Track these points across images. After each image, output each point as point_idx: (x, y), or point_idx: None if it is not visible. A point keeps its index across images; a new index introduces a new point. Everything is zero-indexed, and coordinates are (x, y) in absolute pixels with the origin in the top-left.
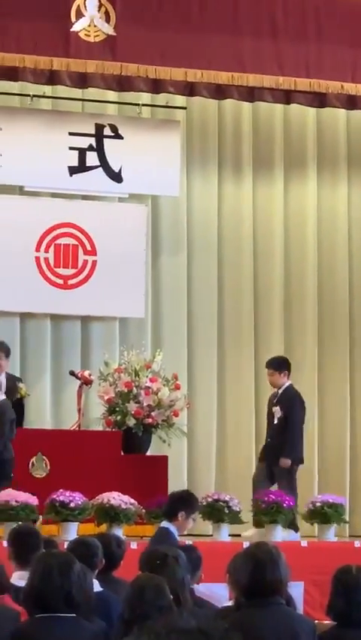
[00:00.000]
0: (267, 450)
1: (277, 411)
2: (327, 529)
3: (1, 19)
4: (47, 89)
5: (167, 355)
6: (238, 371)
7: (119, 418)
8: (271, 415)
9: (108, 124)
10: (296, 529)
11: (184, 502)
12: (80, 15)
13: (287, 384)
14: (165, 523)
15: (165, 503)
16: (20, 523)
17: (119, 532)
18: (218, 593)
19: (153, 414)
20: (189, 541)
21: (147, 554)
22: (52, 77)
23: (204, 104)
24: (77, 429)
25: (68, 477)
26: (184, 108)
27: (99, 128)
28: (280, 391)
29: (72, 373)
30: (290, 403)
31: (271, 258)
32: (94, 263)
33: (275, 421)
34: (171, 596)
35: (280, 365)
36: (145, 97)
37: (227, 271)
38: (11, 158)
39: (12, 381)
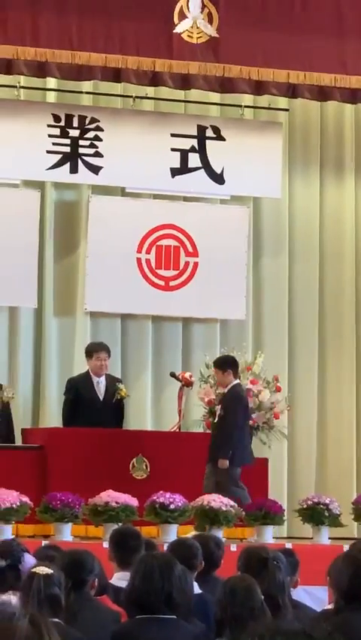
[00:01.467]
0: (209, 449)
1: (218, 410)
2: None
3: (105, 20)
4: (150, 91)
5: (268, 357)
6: (339, 372)
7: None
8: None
9: (210, 125)
10: None
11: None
12: (183, 16)
13: (233, 383)
14: None
15: None
16: (121, 524)
17: (219, 534)
18: (317, 596)
19: (253, 416)
20: (288, 545)
21: (246, 556)
22: (154, 79)
23: (306, 106)
24: (178, 430)
25: (168, 478)
26: (286, 110)
27: (201, 129)
28: (225, 390)
29: (173, 375)
30: (229, 403)
31: None
32: (195, 264)
33: (215, 420)
34: (263, 598)
35: (222, 364)
36: (247, 98)
37: (328, 272)
38: (113, 159)
39: (112, 383)
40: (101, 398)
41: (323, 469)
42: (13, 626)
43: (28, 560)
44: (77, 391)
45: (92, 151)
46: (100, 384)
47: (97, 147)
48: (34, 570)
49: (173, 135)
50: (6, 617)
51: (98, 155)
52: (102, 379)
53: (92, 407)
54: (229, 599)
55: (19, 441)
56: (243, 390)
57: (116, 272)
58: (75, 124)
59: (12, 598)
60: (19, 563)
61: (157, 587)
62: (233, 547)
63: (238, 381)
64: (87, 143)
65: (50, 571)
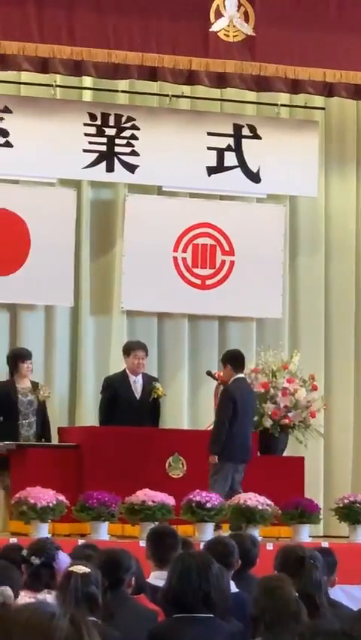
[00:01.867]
0: None
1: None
2: None
3: (142, 19)
4: (186, 89)
5: (304, 356)
6: None
7: (255, 418)
8: None
9: (247, 124)
10: None
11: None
12: (219, 15)
13: (233, 377)
14: None
15: None
16: (157, 523)
17: (256, 533)
18: (354, 594)
19: (289, 415)
20: (325, 543)
21: (283, 554)
22: (190, 77)
23: (342, 104)
24: None
25: (205, 477)
26: (323, 109)
27: (237, 128)
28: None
29: (209, 373)
30: (219, 399)
31: None
32: (232, 263)
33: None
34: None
35: (223, 358)
36: (283, 97)
37: None
38: (150, 158)
39: (149, 382)
40: (137, 397)
41: (359, 467)
42: (54, 626)
43: (62, 557)
44: (114, 390)
45: (128, 150)
46: (137, 384)
47: (133, 146)
48: (71, 569)
49: (209, 134)
50: (46, 616)
51: (134, 153)
52: (139, 378)
53: (128, 406)
54: (264, 598)
55: (55, 440)
56: (242, 385)
57: (152, 271)
58: (111, 123)
59: (47, 597)
60: (53, 561)
61: (194, 586)
62: (269, 546)
63: (239, 375)
64: (123, 141)
65: (87, 570)
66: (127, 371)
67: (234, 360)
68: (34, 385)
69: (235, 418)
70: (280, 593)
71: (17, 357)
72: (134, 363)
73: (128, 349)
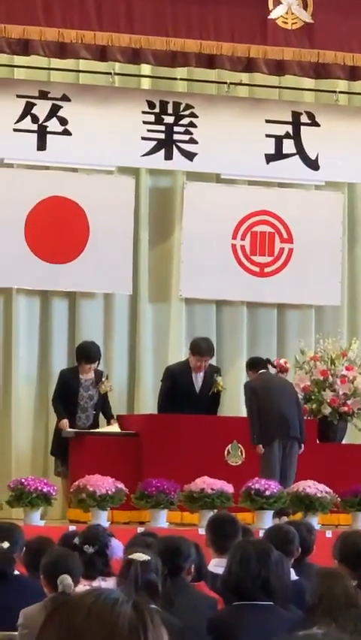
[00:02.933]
0: None
1: None
2: None
3: (200, 6)
4: (244, 77)
5: None
6: None
7: (314, 406)
8: None
9: (305, 111)
10: None
11: None
12: (277, 3)
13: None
14: None
15: None
16: (216, 510)
17: (315, 520)
18: None
19: (348, 402)
20: None
21: (342, 544)
22: (249, 65)
23: None
24: None
25: None
26: None
27: (296, 115)
28: None
29: (268, 361)
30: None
31: None
32: (290, 251)
33: None
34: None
35: (246, 366)
36: (342, 84)
37: None
38: (208, 145)
39: (211, 374)
40: (197, 390)
41: None
42: (117, 612)
43: (115, 545)
44: (175, 381)
45: (186, 137)
46: (198, 377)
47: (192, 134)
48: (131, 557)
49: (267, 121)
50: (110, 602)
51: (192, 141)
52: (200, 374)
53: (187, 398)
54: (322, 587)
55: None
56: (262, 377)
57: (211, 258)
58: (170, 110)
59: (102, 584)
60: (107, 549)
61: (254, 574)
62: (328, 534)
63: (262, 371)
64: (182, 129)
65: (147, 557)
66: (190, 365)
67: (250, 366)
68: (98, 375)
69: (261, 406)
70: (338, 582)
71: (82, 357)
72: (198, 365)
73: (196, 351)
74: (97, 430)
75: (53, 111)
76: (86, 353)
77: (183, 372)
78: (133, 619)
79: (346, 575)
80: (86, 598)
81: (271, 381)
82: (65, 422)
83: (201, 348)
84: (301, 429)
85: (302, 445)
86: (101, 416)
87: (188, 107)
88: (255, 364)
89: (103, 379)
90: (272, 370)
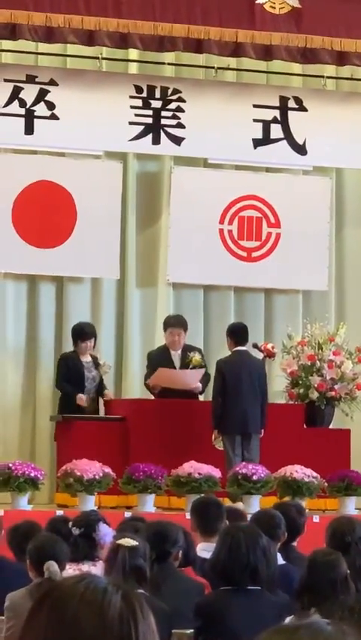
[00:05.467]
0: None
1: None
2: None
3: None
4: (232, 61)
5: (350, 328)
6: None
7: (301, 391)
8: None
9: (293, 96)
10: None
11: None
12: None
13: (233, 350)
14: None
15: None
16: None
17: (302, 505)
18: None
19: (336, 387)
20: None
21: (333, 529)
22: (236, 49)
23: None
24: None
25: None
26: None
27: (284, 100)
28: None
29: (255, 346)
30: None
31: None
32: (278, 235)
33: None
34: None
35: (226, 331)
36: (330, 69)
37: None
38: (196, 130)
39: (186, 353)
40: (177, 368)
41: None
42: (107, 601)
43: (104, 529)
44: (158, 364)
45: (174, 122)
46: (176, 357)
47: (179, 118)
48: (119, 542)
49: (255, 106)
50: (99, 591)
51: (180, 126)
52: (178, 352)
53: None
54: (314, 571)
55: (101, 412)
56: (236, 359)
57: (198, 243)
58: (157, 95)
59: (91, 568)
60: (93, 532)
61: (243, 560)
62: (316, 519)
63: (239, 348)
64: (169, 114)
65: (134, 543)
66: (167, 344)
67: (234, 333)
68: (94, 359)
69: (226, 392)
70: (330, 567)
71: (77, 336)
72: (170, 340)
73: (166, 326)
74: (84, 415)
75: (41, 95)
76: (80, 330)
77: (162, 355)
78: (123, 609)
79: (339, 559)
80: (77, 586)
81: (239, 367)
82: (83, 396)
83: (170, 319)
84: (263, 415)
85: (262, 431)
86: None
87: (175, 91)
88: (235, 334)
89: (102, 362)
90: (256, 353)
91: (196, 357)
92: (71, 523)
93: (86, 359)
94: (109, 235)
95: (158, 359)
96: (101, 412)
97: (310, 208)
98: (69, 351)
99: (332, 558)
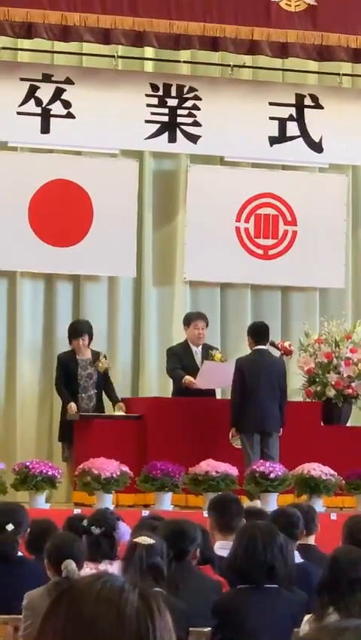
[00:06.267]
0: None
1: None
2: None
3: None
4: (248, 59)
5: None
6: None
7: (319, 388)
8: None
9: (309, 94)
10: None
11: None
12: None
13: (253, 349)
14: None
15: None
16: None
17: (319, 503)
18: None
19: (353, 385)
20: None
21: (350, 526)
22: (252, 47)
23: None
24: None
25: None
26: None
27: (299, 97)
28: None
29: (272, 344)
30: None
31: None
32: (294, 233)
33: None
34: None
35: (247, 330)
36: (346, 66)
37: None
38: (212, 128)
39: (207, 351)
40: (199, 367)
41: None
42: (125, 599)
43: (123, 528)
44: (180, 360)
45: (190, 120)
46: (197, 354)
47: (195, 116)
48: (136, 540)
49: (271, 104)
50: (116, 589)
51: (196, 124)
52: (200, 349)
53: (192, 376)
54: (334, 570)
55: (107, 411)
56: (256, 357)
57: (215, 241)
58: (173, 93)
59: (108, 567)
60: (114, 531)
61: (260, 559)
62: (333, 516)
63: (259, 347)
64: (185, 112)
65: (151, 541)
66: (188, 342)
67: (254, 332)
68: (95, 355)
69: (244, 391)
70: (353, 565)
71: (70, 335)
72: (195, 333)
73: (189, 320)
74: (102, 414)
75: (57, 94)
76: (72, 328)
77: (183, 351)
78: (140, 608)
79: (359, 558)
80: (94, 584)
81: (258, 366)
82: (73, 405)
83: (191, 314)
84: (282, 414)
85: (281, 430)
86: (106, 401)
87: (191, 89)
88: (256, 333)
89: (100, 358)
90: (274, 352)
91: (218, 354)
92: (86, 522)
93: (83, 357)
94: (125, 233)
95: (180, 354)
96: (107, 411)
97: (327, 205)
98: (67, 350)
99: (355, 556)
